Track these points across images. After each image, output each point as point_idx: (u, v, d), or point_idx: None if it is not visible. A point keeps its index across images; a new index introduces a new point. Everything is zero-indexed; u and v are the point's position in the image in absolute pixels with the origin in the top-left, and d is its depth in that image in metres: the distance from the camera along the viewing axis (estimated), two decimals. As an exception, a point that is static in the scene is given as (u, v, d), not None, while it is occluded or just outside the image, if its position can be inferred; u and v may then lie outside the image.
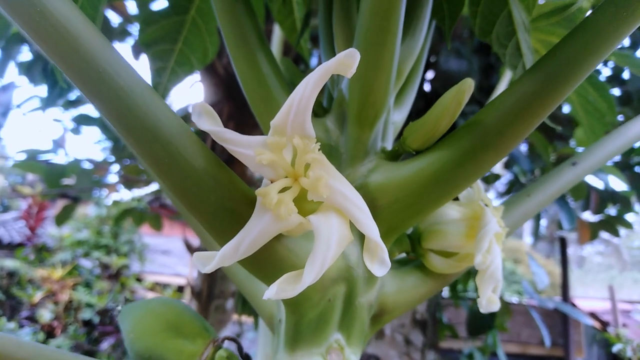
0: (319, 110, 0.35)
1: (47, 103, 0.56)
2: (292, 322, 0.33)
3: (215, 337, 0.37)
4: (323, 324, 0.32)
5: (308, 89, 0.22)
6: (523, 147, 3.00)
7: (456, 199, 0.37)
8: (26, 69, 2.56)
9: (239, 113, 1.08)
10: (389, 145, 0.34)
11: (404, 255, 0.38)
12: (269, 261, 0.27)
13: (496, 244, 0.33)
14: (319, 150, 0.24)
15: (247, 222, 0.24)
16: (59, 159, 2.81)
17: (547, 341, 1.94)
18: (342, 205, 0.23)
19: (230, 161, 0.27)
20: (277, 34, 0.70)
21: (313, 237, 0.24)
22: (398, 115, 0.37)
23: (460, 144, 0.29)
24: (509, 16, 0.42)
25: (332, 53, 0.35)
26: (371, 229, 0.23)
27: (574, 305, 4.06)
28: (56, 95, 0.52)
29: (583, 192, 2.06)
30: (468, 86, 0.28)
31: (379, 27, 0.27)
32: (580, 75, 0.27)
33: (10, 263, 6.78)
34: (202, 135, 0.83)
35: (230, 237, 0.25)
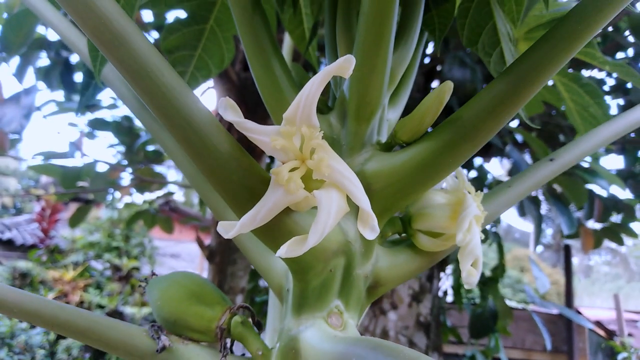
0: (324, 108, 0.40)
1: (81, 103, 0.62)
2: (298, 290, 0.38)
3: (232, 305, 0.42)
4: (325, 291, 0.38)
5: (313, 87, 0.28)
6: (527, 157, 3.04)
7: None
8: (44, 74, 2.65)
9: (250, 115, 1.15)
10: (383, 138, 0.40)
11: (396, 236, 0.43)
12: (279, 231, 0.32)
13: (475, 225, 0.38)
14: (322, 138, 0.29)
15: (263, 196, 0.30)
16: (75, 161, 2.88)
17: (548, 344, 1.97)
18: (340, 182, 0.29)
19: (248, 149, 0.33)
20: (288, 42, 0.76)
21: (316, 213, 0.29)
22: (392, 114, 0.42)
23: (442, 136, 0.35)
24: (494, 28, 0.48)
25: (335, 59, 0.40)
26: (363, 202, 0.29)
27: (578, 312, 4.07)
28: (90, 95, 0.58)
29: (584, 198, 2.09)
30: (448, 88, 0.34)
31: (374, 39, 0.33)
32: (543, 79, 0.33)
33: (23, 264, 6.89)
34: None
35: (249, 209, 0.30)
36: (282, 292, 0.42)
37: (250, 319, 0.42)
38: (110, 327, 0.40)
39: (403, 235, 0.43)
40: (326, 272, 0.37)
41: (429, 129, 0.38)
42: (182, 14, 0.66)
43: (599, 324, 5.66)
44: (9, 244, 8.25)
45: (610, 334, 5.36)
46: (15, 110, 1.65)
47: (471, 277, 0.38)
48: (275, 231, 0.32)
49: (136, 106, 0.49)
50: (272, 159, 0.32)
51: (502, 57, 0.49)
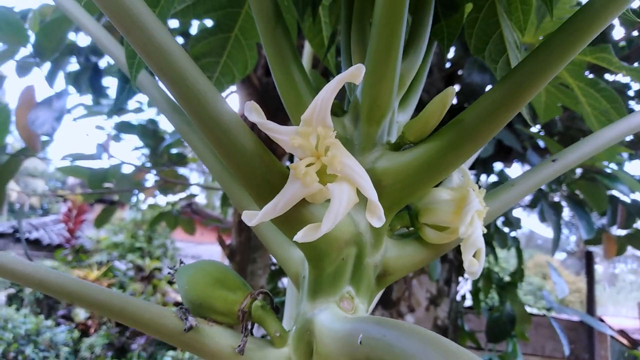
0: (339, 111, 0.44)
1: (116, 105, 0.67)
2: (313, 277, 0.42)
3: (252, 291, 0.46)
4: (338, 278, 0.41)
5: (328, 92, 0.32)
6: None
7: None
8: (73, 79, 2.75)
9: (272, 119, 1.20)
10: (393, 139, 0.43)
11: (405, 230, 0.47)
12: (296, 220, 0.36)
13: (477, 219, 0.41)
14: (335, 137, 0.33)
15: (282, 188, 0.34)
16: (102, 163, 2.97)
17: (566, 349, 1.96)
18: (351, 176, 0.33)
19: (270, 148, 0.37)
20: (307, 49, 0.80)
21: (329, 205, 0.33)
22: (402, 117, 0.46)
23: (446, 137, 0.38)
24: (501, 36, 0.51)
25: (350, 66, 0.44)
26: (371, 194, 0.32)
27: (601, 320, 4.01)
28: (125, 97, 0.62)
29: (605, 204, 2.08)
30: (451, 93, 0.37)
31: (384, 48, 0.36)
32: (538, 86, 0.36)
33: (49, 263, 7.08)
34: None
35: (269, 200, 0.34)
36: (299, 279, 0.45)
37: (269, 305, 0.46)
38: (143, 308, 0.44)
39: (411, 229, 0.46)
40: (339, 260, 0.41)
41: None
42: (207, 22, 0.71)
43: (622, 332, 5.54)
44: (36, 244, 8.48)
45: (635, 343, 5.24)
46: (47, 113, 1.72)
47: (473, 267, 0.41)
48: (292, 220, 0.36)
49: (167, 109, 0.53)
50: (291, 157, 0.35)
51: (508, 64, 0.52)
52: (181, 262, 0.50)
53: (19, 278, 0.43)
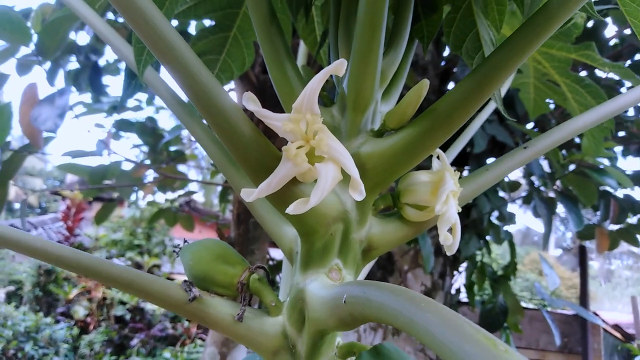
0: (328, 102, 0.49)
1: (122, 100, 0.71)
2: (305, 251, 0.47)
3: (250, 266, 0.51)
4: (327, 251, 0.46)
5: (315, 83, 0.36)
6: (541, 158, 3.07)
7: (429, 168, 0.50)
8: (73, 77, 2.79)
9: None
10: (376, 127, 0.48)
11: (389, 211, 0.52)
12: (288, 197, 0.41)
13: (452, 198, 0.46)
14: (323, 123, 0.38)
15: (276, 168, 0.39)
16: (101, 160, 3.02)
17: (557, 339, 2.02)
18: (336, 157, 0.37)
19: (265, 132, 0.42)
20: (302, 47, 0.85)
21: (316, 183, 0.37)
22: (385, 107, 0.50)
23: (422, 124, 0.43)
24: (477, 34, 0.56)
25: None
26: (353, 171, 0.37)
27: (596, 314, 4.06)
28: (131, 92, 0.67)
29: (594, 197, 2.14)
30: (425, 85, 0.42)
31: (366, 46, 0.41)
32: (502, 78, 0.41)
33: (48, 261, 7.07)
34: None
35: (265, 179, 0.39)
36: (292, 254, 0.50)
37: (265, 278, 0.51)
38: (151, 281, 0.49)
39: (394, 209, 0.51)
40: (328, 235, 0.45)
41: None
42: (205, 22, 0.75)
43: (617, 327, 5.60)
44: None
45: (629, 338, 5.31)
46: (49, 110, 1.77)
47: (448, 241, 0.46)
48: (285, 197, 0.41)
49: (171, 102, 0.58)
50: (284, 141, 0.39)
51: (483, 59, 0.56)
52: (185, 241, 0.55)
53: (40, 255, 0.47)
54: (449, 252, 0.49)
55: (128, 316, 6.34)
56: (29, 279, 6.93)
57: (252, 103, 0.38)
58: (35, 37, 2.00)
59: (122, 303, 6.44)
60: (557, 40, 1.08)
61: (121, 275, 0.48)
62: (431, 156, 0.53)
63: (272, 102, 1.68)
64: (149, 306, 6.40)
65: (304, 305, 0.46)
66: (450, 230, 0.46)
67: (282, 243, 0.51)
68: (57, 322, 6.31)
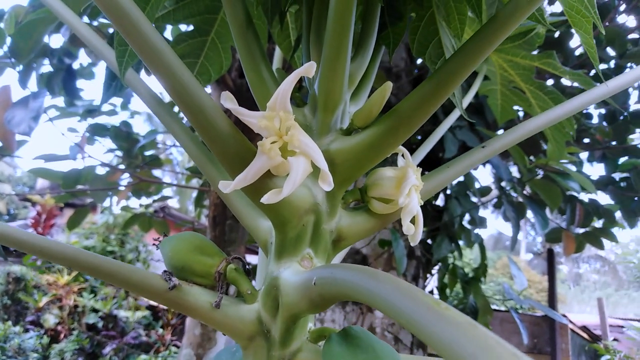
0: (300, 103, 0.53)
1: (103, 100, 0.73)
2: (279, 241, 0.50)
3: (227, 257, 0.54)
4: (299, 241, 0.50)
5: (287, 84, 0.40)
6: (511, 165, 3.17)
7: (394, 164, 0.54)
8: (46, 80, 2.76)
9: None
10: (344, 126, 0.52)
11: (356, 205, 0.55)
12: (263, 189, 0.44)
13: (414, 192, 0.50)
14: (295, 121, 0.41)
15: (252, 162, 0.42)
16: (74, 164, 2.98)
17: (525, 338, 2.09)
18: (307, 151, 0.41)
19: (242, 128, 0.45)
20: (278, 52, 0.88)
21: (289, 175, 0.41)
22: (353, 107, 0.54)
23: (386, 123, 0.47)
24: (439, 41, 0.60)
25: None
26: (322, 164, 0.41)
27: (564, 316, 4.19)
28: (112, 93, 0.69)
29: (558, 201, 2.22)
30: (388, 87, 0.46)
31: (335, 51, 0.45)
32: (457, 81, 0.45)
33: (17, 269, 6.92)
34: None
35: (241, 172, 0.42)
36: (267, 245, 0.53)
37: (241, 268, 0.54)
38: (132, 271, 0.51)
39: (362, 203, 0.55)
40: (300, 226, 0.49)
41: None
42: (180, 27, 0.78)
43: (584, 328, 5.78)
44: (3, 249, 8.26)
45: (595, 338, 5.48)
46: (23, 113, 1.76)
47: (410, 230, 0.50)
48: (260, 189, 0.44)
49: (151, 102, 0.61)
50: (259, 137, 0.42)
51: (440, 65, 0.61)
52: (165, 235, 0.58)
53: (24, 247, 0.49)
54: (413, 242, 0.53)
55: (101, 324, 6.23)
56: (-4, 287, 6.73)
57: (229, 102, 0.41)
58: (8, 40, 1.99)
59: (95, 311, 6.32)
60: (521, 49, 1.14)
61: (102, 265, 0.50)
62: (397, 154, 0.57)
63: (247, 105, 1.70)
64: (122, 313, 6.30)
65: (277, 292, 0.49)
66: (413, 221, 0.50)
67: (257, 235, 0.54)
68: (27, 331, 6.16)
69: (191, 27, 0.78)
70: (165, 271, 0.54)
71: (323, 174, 0.41)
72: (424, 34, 0.60)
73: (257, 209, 0.55)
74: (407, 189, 0.49)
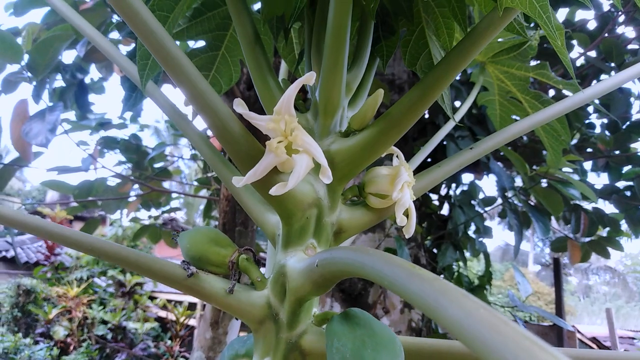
0: (303, 109, 0.59)
1: (123, 111, 0.80)
2: (285, 233, 0.56)
3: (239, 248, 0.60)
4: (304, 232, 0.55)
5: (291, 90, 0.46)
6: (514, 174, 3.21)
7: (390, 164, 0.60)
8: (59, 95, 2.85)
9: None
10: (343, 129, 0.58)
11: (355, 200, 0.61)
12: (270, 183, 0.50)
13: (407, 188, 0.56)
14: (298, 123, 0.47)
15: (260, 159, 0.48)
16: (87, 175, 3.06)
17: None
18: (309, 149, 0.47)
19: (252, 131, 0.51)
20: (283, 65, 0.95)
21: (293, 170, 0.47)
22: (350, 113, 0.61)
23: (379, 125, 0.53)
24: (429, 53, 0.67)
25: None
26: (322, 160, 0.47)
27: (574, 327, 4.18)
28: (132, 104, 0.75)
29: (560, 208, 2.26)
30: (380, 94, 0.52)
31: (333, 63, 0.51)
32: (441, 88, 0.51)
33: (27, 281, 7.00)
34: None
35: (252, 168, 0.48)
36: (275, 238, 0.59)
37: (252, 258, 0.60)
38: (154, 261, 0.57)
39: (360, 199, 0.61)
40: (304, 219, 0.55)
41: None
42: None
43: (594, 339, 5.75)
44: (13, 262, 8.37)
45: (605, 349, 5.45)
46: (40, 125, 1.84)
47: (403, 222, 0.55)
48: (268, 183, 0.50)
49: (169, 110, 0.67)
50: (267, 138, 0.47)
51: (425, 74, 0.67)
52: (182, 229, 0.64)
53: (53, 237, 0.55)
54: (407, 234, 0.58)
55: (110, 335, 6.28)
56: (8, 300, 6.82)
57: (241, 107, 0.48)
58: (25, 56, 2.08)
59: (104, 322, 6.38)
60: (516, 61, 1.20)
61: (129, 256, 0.56)
62: (392, 156, 0.63)
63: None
64: (131, 325, 6.35)
65: (285, 279, 0.55)
66: (406, 215, 0.56)
67: (266, 229, 0.60)
68: (37, 343, 6.22)
69: (202, 43, 0.84)
70: (183, 261, 0.60)
71: (323, 169, 0.47)
72: (414, 46, 0.66)
73: (266, 205, 0.61)
74: (400, 185, 0.55)
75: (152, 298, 7.21)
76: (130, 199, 3.25)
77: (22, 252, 8.45)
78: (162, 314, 6.92)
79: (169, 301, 7.27)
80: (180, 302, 7.43)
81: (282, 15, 0.69)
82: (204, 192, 3.81)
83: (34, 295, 6.84)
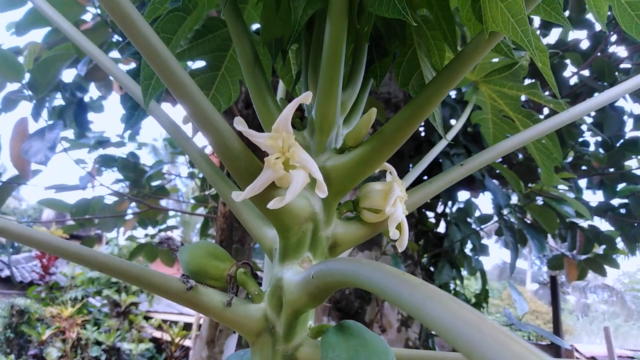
0: (300, 127, 0.61)
1: (125, 129, 0.82)
2: (282, 246, 0.58)
3: (237, 262, 0.61)
4: (300, 246, 0.57)
5: (289, 109, 0.48)
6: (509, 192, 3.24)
7: (383, 180, 0.62)
8: (58, 113, 2.88)
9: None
10: (338, 145, 0.60)
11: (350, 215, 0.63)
12: (268, 198, 0.52)
13: (399, 202, 0.58)
14: (295, 139, 0.50)
15: (259, 175, 0.50)
16: (85, 194, 3.08)
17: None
18: (305, 165, 0.49)
19: (251, 148, 0.53)
20: (281, 84, 0.98)
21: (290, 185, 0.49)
22: (345, 130, 0.63)
23: (372, 142, 0.55)
24: (421, 74, 0.69)
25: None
26: (318, 175, 0.49)
27: (572, 346, 4.17)
28: (134, 122, 0.77)
29: (555, 225, 2.28)
30: (373, 112, 0.55)
31: (328, 83, 0.54)
32: (431, 106, 0.54)
33: (21, 301, 6.93)
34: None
35: (250, 183, 0.50)
36: (272, 252, 0.61)
37: (249, 272, 0.61)
38: (154, 274, 0.58)
39: (355, 213, 0.62)
40: (300, 232, 0.57)
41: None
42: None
43: (593, 359, 5.71)
44: (7, 282, 8.30)
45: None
46: (40, 143, 1.86)
47: (396, 235, 0.57)
48: (266, 198, 0.52)
49: (170, 128, 0.69)
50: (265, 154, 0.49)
51: (416, 93, 0.70)
52: (182, 244, 0.65)
53: (61, 252, 0.57)
54: (400, 248, 0.60)
55: (104, 357, 6.20)
56: (1, 320, 6.74)
57: (241, 125, 0.50)
58: (27, 75, 2.11)
59: (98, 343, 6.30)
60: (508, 80, 1.24)
61: (130, 269, 0.58)
62: (386, 172, 0.65)
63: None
64: (126, 346, 6.27)
65: (281, 292, 0.57)
66: (399, 229, 0.58)
67: (263, 243, 0.62)
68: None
69: (202, 63, 0.87)
70: (183, 274, 0.61)
71: (319, 184, 0.49)
72: (407, 67, 0.69)
73: (264, 219, 0.63)
74: (392, 200, 0.57)
75: (147, 318, 7.15)
76: (127, 217, 3.25)
77: (16, 272, 8.39)
78: (157, 334, 6.85)
79: (165, 321, 7.20)
80: (176, 323, 7.36)
81: (281, 38, 0.72)
82: (201, 210, 3.81)
83: (28, 316, 6.77)
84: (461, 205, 3.19)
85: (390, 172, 0.62)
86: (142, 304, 7.13)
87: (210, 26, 0.80)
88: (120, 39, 2.05)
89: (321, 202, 0.58)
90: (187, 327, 7.18)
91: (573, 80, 3.03)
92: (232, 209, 0.64)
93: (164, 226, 3.79)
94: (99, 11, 2.03)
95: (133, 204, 3.48)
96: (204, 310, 0.59)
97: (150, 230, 3.74)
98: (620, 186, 3.19)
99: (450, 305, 0.27)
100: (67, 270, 7.45)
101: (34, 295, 6.96)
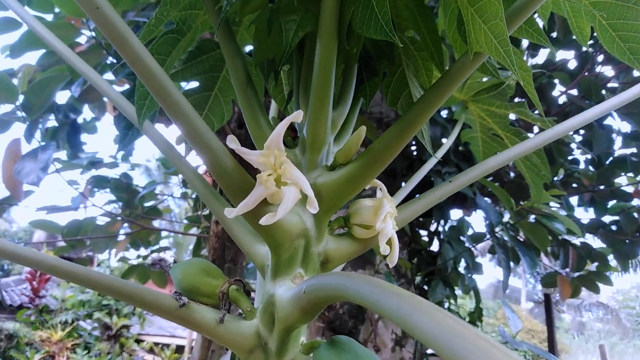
0: (291, 145, 0.62)
1: (119, 149, 0.83)
2: (274, 262, 0.58)
3: (229, 279, 0.62)
4: (292, 262, 0.58)
5: (280, 128, 0.50)
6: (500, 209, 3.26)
7: (372, 196, 0.63)
8: (51, 134, 2.88)
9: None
10: (329, 163, 0.62)
11: (341, 231, 0.64)
12: (261, 214, 0.53)
13: (389, 218, 0.59)
14: (286, 157, 0.51)
15: (251, 191, 0.51)
16: (77, 215, 3.06)
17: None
18: (296, 181, 0.50)
19: (244, 166, 0.54)
20: (274, 104, 1.00)
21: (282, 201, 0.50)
22: (336, 148, 0.64)
23: (362, 160, 0.57)
24: (409, 93, 0.71)
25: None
26: (309, 192, 0.50)
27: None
28: (127, 142, 0.78)
29: (546, 242, 2.30)
30: (362, 130, 0.56)
31: (319, 103, 0.55)
32: (418, 126, 0.55)
33: (10, 325, 6.81)
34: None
35: (243, 200, 0.51)
36: (264, 268, 0.62)
37: (242, 289, 0.62)
38: (147, 292, 0.59)
39: (346, 229, 0.63)
40: (292, 248, 0.58)
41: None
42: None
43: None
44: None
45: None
46: (32, 164, 1.86)
47: (386, 251, 0.58)
48: (258, 214, 0.53)
49: (164, 147, 0.70)
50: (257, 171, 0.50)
51: (404, 112, 0.71)
52: (175, 262, 0.66)
53: (55, 271, 0.57)
54: (390, 264, 0.61)
55: (94, 381, 6.08)
56: (-11, 344, 6.60)
57: (234, 143, 0.51)
58: (21, 96, 2.12)
59: (88, 367, 6.18)
60: (496, 99, 1.26)
61: (123, 287, 0.58)
62: (376, 189, 0.66)
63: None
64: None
65: (273, 308, 0.57)
66: (389, 245, 0.59)
67: (256, 260, 0.63)
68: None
69: (195, 84, 0.89)
70: (175, 292, 0.61)
71: (310, 200, 0.50)
72: (396, 87, 0.71)
73: (256, 236, 0.63)
74: (382, 216, 0.58)
75: (138, 341, 7.04)
76: (119, 238, 3.23)
77: (6, 295, 8.25)
78: (149, 358, 6.74)
79: (157, 344, 7.09)
80: (168, 345, 7.25)
81: (273, 59, 0.74)
82: (193, 230, 3.80)
83: (17, 340, 6.64)
84: (454, 224, 3.21)
85: (380, 189, 0.64)
86: (133, 327, 7.03)
87: (203, 48, 0.82)
88: (115, 60, 2.08)
89: (313, 218, 0.59)
90: (180, 349, 7.07)
91: (562, 99, 3.09)
92: (224, 226, 0.65)
93: (156, 247, 3.77)
94: (93, 34, 2.05)
95: (125, 225, 3.46)
96: (197, 328, 0.59)
97: (143, 252, 3.72)
98: (611, 203, 3.22)
99: (436, 315, 0.27)
100: (58, 293, 7.35)
101: (24, 319, 6.84)
